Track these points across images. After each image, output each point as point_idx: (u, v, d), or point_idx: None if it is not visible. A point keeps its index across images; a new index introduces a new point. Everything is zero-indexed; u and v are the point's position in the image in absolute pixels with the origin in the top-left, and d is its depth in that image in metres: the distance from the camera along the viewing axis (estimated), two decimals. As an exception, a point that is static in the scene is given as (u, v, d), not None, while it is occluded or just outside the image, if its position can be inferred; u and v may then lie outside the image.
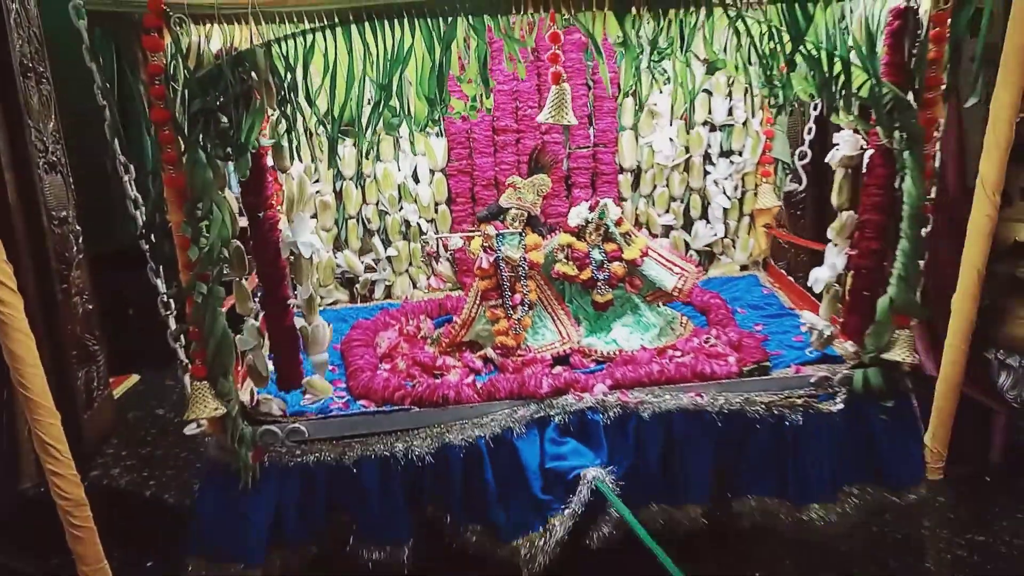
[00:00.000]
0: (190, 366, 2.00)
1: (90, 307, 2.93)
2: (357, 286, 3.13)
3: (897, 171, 2.12)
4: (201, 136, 1.81)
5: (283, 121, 1.89)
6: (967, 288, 2.58)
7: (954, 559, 2.33)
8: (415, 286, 3.16)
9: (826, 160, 2.36)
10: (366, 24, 1.82)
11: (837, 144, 2.34)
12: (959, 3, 1.91)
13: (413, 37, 1.83)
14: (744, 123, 3.08)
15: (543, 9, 1.86)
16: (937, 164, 2.13)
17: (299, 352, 2.19)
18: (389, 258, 3.10)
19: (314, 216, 2.98)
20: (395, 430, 2.16)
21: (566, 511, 2.09)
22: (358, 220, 3.04)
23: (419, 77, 1.90)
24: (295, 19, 1.80)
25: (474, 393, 2.23)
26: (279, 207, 2.19)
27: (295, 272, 2.15)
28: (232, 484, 2.05)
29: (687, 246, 3.21)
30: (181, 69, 1.77)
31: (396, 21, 1.81)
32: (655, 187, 3.15)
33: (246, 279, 2.06)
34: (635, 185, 3.16)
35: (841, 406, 2.26)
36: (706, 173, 3.15)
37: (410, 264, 3.14)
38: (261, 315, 2.20)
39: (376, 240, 3.06)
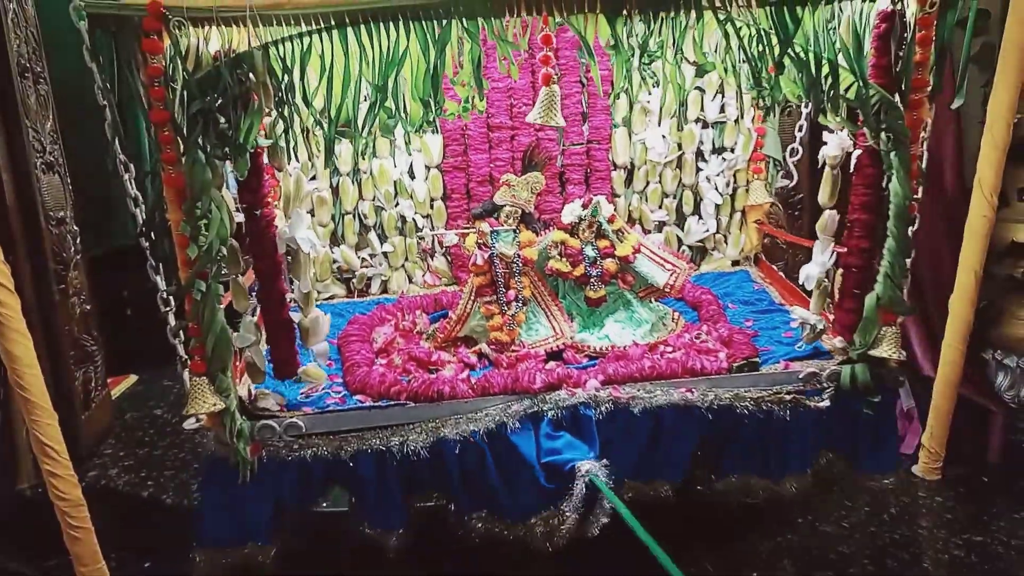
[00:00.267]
0: (189, 362, 2.03)
1: (88, 307, 2.94)
2: (353, 281, 3.15)
3: (884, 171, 2.15)
4: (200, 137, 1.84)
5: (280, 121, 1.91)
6: (964, 289, 2.60)
7: (951, 559, 2.35)
8: (411, 281, 3.19)
9: (818, 156, 2.39)
10: (362, 27, 1.84)
11: (827, 142, 2.38)
12: (944, 7, 1.94)
13: (408, 40, 1.86)
14: (736, 120, 3.10)
15: (535, 12, 1.89)
16: (924, 164, 2.17)
17: (295, 343, 2.22)
18: (385, 253, 3.13)
19: (311, 212, 3.01)
20: (391, 425, 2.18)
21: (569, 504, 2.12)
22: (354, 216, 3.07)
23: (414, 79, 1.92)
24: (292, 22, 1.82)
25: (468, 388, 2.26)
26: (276, 203, 2.22)
27: (292, 267, 2.19)
28: (233, 476, 2.09)
29: (679, 242, 3.25)
30: (180, 71, 1.79)
31: (391, 24, 1.84)
32: (648, 183, 3.17)
33: (242, 276, 2.09)
34: (628, 181, 3.19)
35: (828, 403, 2.30)
36: (698, 170, 3.18)
37: (406, 259, 3.17)
38: (258, 311, 2.24)
39: (372, 235, 3.09)
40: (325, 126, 1.93)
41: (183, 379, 2.06)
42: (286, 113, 1.91)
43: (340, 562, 2.38)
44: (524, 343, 2.55)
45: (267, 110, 1.91)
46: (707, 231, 3.23)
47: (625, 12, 1.92)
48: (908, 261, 2.19)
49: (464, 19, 1.85)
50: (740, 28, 1.97)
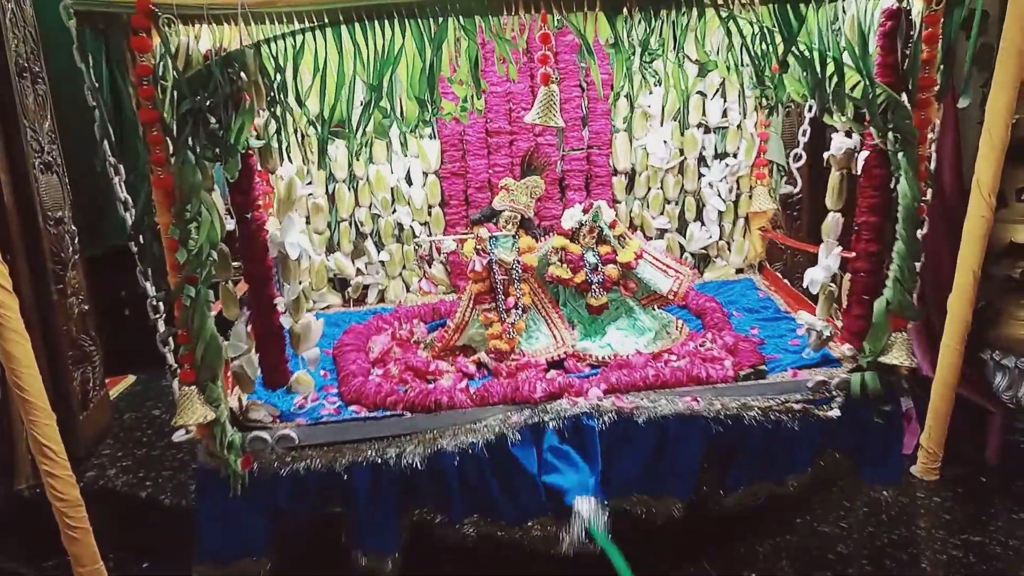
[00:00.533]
0: (179, 371, 1.98)
1: (86, 308, 2.93)
2: (349, 290, 3.10)
3: (892, 172, 2.11)
4: (190, 137, 1.79)
5: (272, 122, 1.87)
6: (963, 289, 2.58)
7: (949, 559, 2.34)
8: (408, 290, 3.13)
9: (824, 155, 2.35)
10: (356, 24, 1.80)
11: (832, 142, 2.33)
12: (951, 4, 1.90)
13: (404, 37, 1.82)
14: (739, 125, 3.06)
15: (533, 10, 1.85)
16: (933, 165, 2.12)
17: (285, 351, 2.16)
18: (382, 262, 3.08)
19: (307, 220, 2.97)
20: (387, 436, 2.13)
21: (565, 535, 2.06)
22: (350, 223, 3.02)
23: (410, 78, 1.88)
24: (284, 19, 1.78)
25: (467, 398, 2.21)
26: (269, 210, 2.17)
27: (282, 272, 2.13)
28: (225, 489, 2.05)
29: (682, 249, 3.20)
30: (170, 70, 1.75)
31: (386, 21, 1.80)
32: (649, 189, 3.13)
33: (233, 283, 2.04)
34: (629, 187, 3.14)
35: (838, 412, 2.25)
36: (701, 175, 3.13)
37: (403, 268, 3.11)
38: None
39: (369, 243, 3.04)
40: (318, 127, 1.88)
41: (173, 388, 2.00)
42: (278, 113, 1.85)
43: (338, 573, 2.33)
44: (524, 352, 2.49)
45: (259, 110, 1.86)
46: (710, 238, 3.19)
47: (625, 10, 1.88)
48: (918, 265, 2.14)
49: (461, 16, 1.81)
50: (743, 26, 1.93)
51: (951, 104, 2.23)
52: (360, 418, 2.18)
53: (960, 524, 2.51)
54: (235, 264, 2.02)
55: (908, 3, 1.97)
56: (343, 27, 1.80)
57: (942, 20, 1.94)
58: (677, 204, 3.17)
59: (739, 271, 3.26)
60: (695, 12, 1.90)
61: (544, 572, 2.28)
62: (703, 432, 2.21)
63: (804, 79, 2.01)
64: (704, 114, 3.05)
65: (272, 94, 1.85)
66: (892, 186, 2.12)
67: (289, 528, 2.22)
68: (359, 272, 3.08)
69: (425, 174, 3.01)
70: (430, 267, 3.12)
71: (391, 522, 2.17)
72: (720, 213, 3.17)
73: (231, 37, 1.80)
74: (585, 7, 1.85)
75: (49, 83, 2.85)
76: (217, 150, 1.83)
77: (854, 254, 2.27)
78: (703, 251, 3.23)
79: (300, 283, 2.09)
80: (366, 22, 1.80)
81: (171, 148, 1.79)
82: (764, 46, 1.95)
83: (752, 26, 1.94)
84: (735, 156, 3.10)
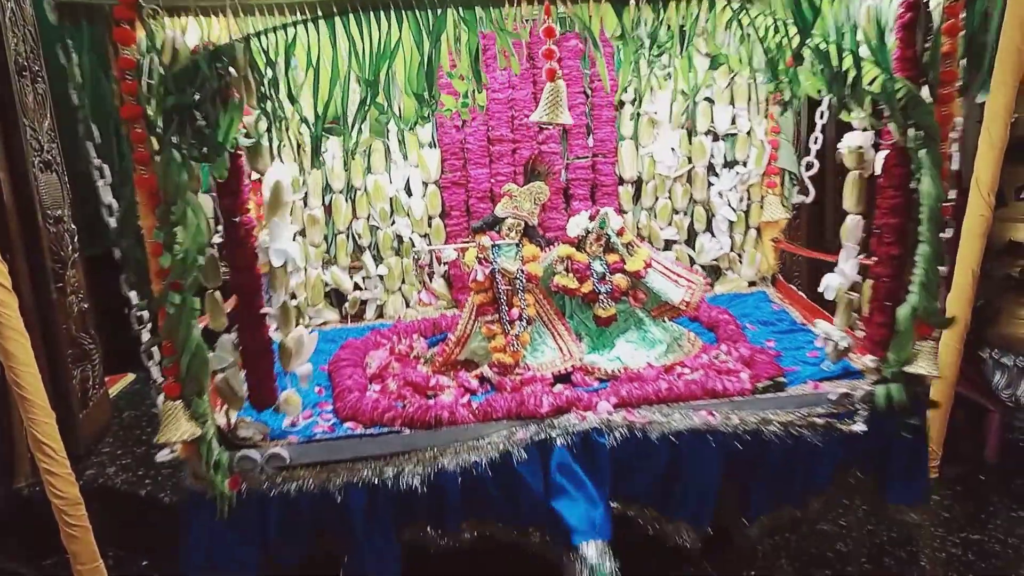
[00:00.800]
0: (163, 385, 1.87)
1: (85, 306, 2.95)
2: (346, 305, 3.00)
3: (913, 171, 2.01)
4: (176, 135, 1.71)
5: (263, 120, 1.78)
6: (962, 287, 2.60)
7: (948, 557, 2.35)
8: (408, 305, 3.03)
9: (838, 147, 2.28)
10: (351, 16, 1.73)
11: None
12: (973, -7, 1.83)
13: (400, 30, 1.74)
14: (748, 132, 2.99)
15: (537, 0, 1.77)
16: (957, 165, 2.04)
17: (273, 368, 2.04)
18: (380, 276, 2.98)
19: (303, 233, 2.87)
20: (384, 454, 2.03)
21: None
22: (348, 235, 2.93)
23: (407, 72, 1.79)
24: (276, 11, 1.72)
25: (469, 413, 2.12)
26: (261, 223, 2.08)
27: (270, 280, 2.02)
28: (213, 512, 1.94)
29: (691, 261, 3.10)
30: (155, 64, 1.66)
31: (382, 13, 1.73)
32: (657, 199, 3.06)
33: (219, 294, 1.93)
34: (636, 197, 3.07)
35: (864, 427, 2.16)
36: (710, 184, 3.05)
37: (403, 282, 3.01)
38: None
39: (367, 256, 2.95)
40: (311, 125, 1.79)
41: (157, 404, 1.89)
42: (269, 110, 1.77)
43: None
44: (529, 365, 2.39)
45: (249, 107, 1.77)
46: (721, 250, 3.10)
47: (632, 1, 1.80)
48: (943, 269, 2.05)
49: (460, 7, 1.74)
50: (756, 17, 1.84)
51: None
52: (356, 435, 2.07)
53: (959, 522, 2.52)
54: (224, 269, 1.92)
55: (927, -7, 1.90)
56: (337, 19, 1.73)
57: (964, 11, 1.86)
58: (686, 214, 3.08)
59: (751, 284, 3.17)
60: (705, 3, 1.82)
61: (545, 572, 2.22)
62: (720, 449, 2.11)
63: (820, 73, 1.91)
64: (712, 121, 2.98)
65: (262, 90, 1.76)
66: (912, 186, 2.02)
67: (280, 555, 2.10)
68: (357, 287, 2.99)
69: (425, 184, 2.94)
70: (430, 280, 3.01)
71: (391, 547, 2.07)
72: (731, 223, 3.09)
73: (220, 30, 1.72)
74: (590, -2, 1.78)
75: (49, 82, 2.86)
76: (204, 149, 1.74)
77: (874, 259, 2.18)
78: (714, 263, 3.13)
79: (294, 297, 1.99)
80: (361, 14, 1.73)
81: (156, 146, 1.70)
82: (778, 38, 1.86)
83: (765, 17, 1.86)
84: (745, 164, 3.03)
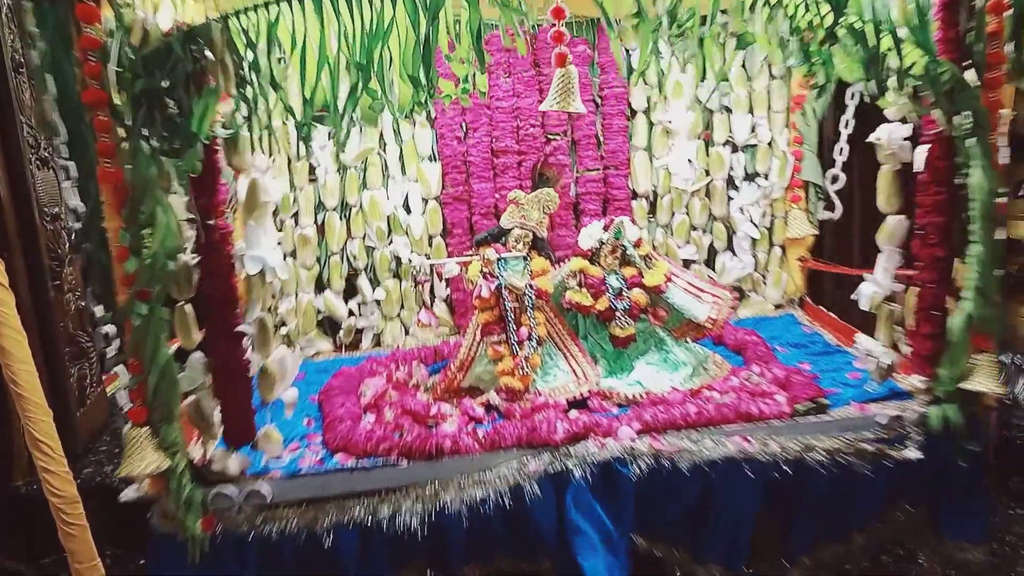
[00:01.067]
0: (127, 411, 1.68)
1: (83, 304, 2.87)
2: (340, 333, 2.80)
3: (958, 165, 1.87)
4: (144, 124, 1.55)
5: (243, 107, 1.61)
6: None
7: (947, 555, 2.24)
8: (407, 333, 2.84)
9: (871, 137, 2.14)
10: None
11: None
12: (1021, -33, 1.70)
13: (394, 7, 1.60)
14: (769, 143, 2.86)
15: (548, -26, 1.62)
16: (1007, 158, 1.86)
17: (251, 397, 1.83)
18: (377, 301, 2.79)
19: (293, 254, 2.69)
20: (379, 490, 1.86)
21: None
22: (342, 257, 2.77)
23: (402, 54, 1.64)
24: (257, -12, 1.56)
25: (475, 442, 1.95)
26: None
27: (248, 291, 1.81)
28: (184, 556, 1.77)
29: (713, 283, 2.90)
30: (123, 44, 1.50)
31: (374, -12, 1.57)
32: (673, 214, 2.92)
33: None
34: (651, 212, 2.92)
35: (919, 454, 1.98)
36: (730, 199, 2.91)
37: (401, 307, 2.82)
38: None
39: (363, 280, 2.76)
40: (297, 113, 1.63)
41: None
42: (249, 96, 1.60)
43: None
44: (540, 391, 2.21)
45: (227, 94, 1.60)
46: (744, 270, 2.94)
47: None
48: (1000, 271, 1.89)
49: (460, -18, 1.59)
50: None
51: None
52: (347, 469, 1.89)
53: (958, 521, 2.37)
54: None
55: (971, -33, 1.77)
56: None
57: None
58: (705, 231, 2.93)
59: (777, 307, 2.99)
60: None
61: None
62: (757, 479, 1.94)
63: (856, 54, 1.75)
64: (731, 131, 2.83)
65: (241, 74, 1.60)
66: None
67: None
68: (352, 313, 2.82)
69: (425, 200, 2.80)
70: (431, 304, 2.81)
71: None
72: (753, 241, 2.93)
73: (195, 9, 1.56)
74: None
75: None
76: (176, 141, 1.56)
77: (917, 263, 2.03)
78: (736, 284, 2.95)
79: (277, 314, 1.80)
80: (351, -11, 1.57)
81: (122, 136, 1.53)
82: (810, 17, 1.70)
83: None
84: (766, 177, 2.89)
